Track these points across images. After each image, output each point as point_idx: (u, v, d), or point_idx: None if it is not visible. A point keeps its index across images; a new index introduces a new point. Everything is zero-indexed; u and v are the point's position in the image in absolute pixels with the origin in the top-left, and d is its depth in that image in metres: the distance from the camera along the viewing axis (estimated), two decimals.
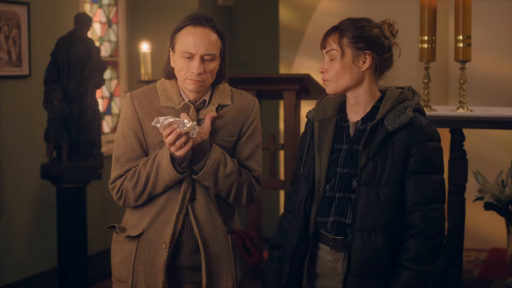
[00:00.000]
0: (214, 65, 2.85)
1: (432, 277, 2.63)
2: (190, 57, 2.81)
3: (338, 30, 2.72)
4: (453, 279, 4.61)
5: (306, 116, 2.85)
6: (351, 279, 2.63)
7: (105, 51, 6.93)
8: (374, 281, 2.62)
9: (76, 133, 5.42)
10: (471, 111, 4.74)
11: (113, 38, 7.08)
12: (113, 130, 7.12)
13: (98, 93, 6.04)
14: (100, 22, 6.92)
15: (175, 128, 2.72)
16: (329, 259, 2.73)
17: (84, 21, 5.46)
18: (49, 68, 5.37)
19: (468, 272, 5.81)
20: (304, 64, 6.89)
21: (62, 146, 5.36)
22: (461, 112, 4.73)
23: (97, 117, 5.49)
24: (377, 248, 2.60)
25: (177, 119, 2.73)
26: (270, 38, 7.69)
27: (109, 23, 7.02)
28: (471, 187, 4.57)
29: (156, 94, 2.91)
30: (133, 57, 7.00)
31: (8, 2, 5.61)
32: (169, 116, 2.74)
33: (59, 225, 5.44)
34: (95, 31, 6.79)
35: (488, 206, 4.33)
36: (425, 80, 4.85)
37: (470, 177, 4.54)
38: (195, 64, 2.80)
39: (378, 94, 2.73)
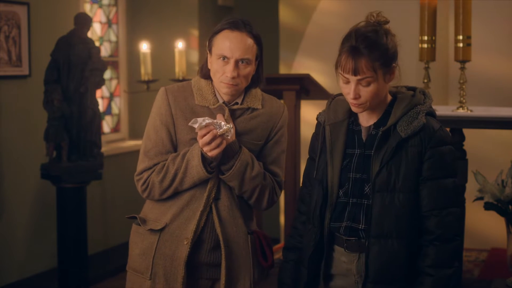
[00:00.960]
0: (249, 70, 2.90)
1: (453, 279, 2.65)
2: (226, 60, 2.85)
3: (365, 55, 2.58)
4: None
5: (317, 119, 2.85)
6: (369, 286, 2.65)
7: (105, 51, 6.93)
8: (392, 286, 2.64)
9: (76, 133, 5.42)
10: (471, 111, 4.74)
11: (113, 38, 7.08)
12: (113, 130, 7.12)
13: (98, 93, 6.04)
14: (100, 22, 6.93)
15: (212, 129, 2.76)
16: (344, 261, 2.74)
17: (84, 21, 5.46)
18: (49, 68, 5.37)
19: (468, 272, 5.81)
20: (304, 64, 6.89)
21: (62, 146, 5.36)
22: (461, 112, 4.73)
23: (97, 117, 5.49)
24: (394, 254, 2.61)
25: (214, 121, 2.78)
26: (270, 38, 7.67)
27: (109, 23, 7.02)
28: (471, 187, 4.57)
29: (191, 92, 2.96)
30: (133, 57, 7.00)
31: (8, 2, 5.61)
32: (207, 118, 2.78)
33: (59, 225, 5.44)
34: (95, 31, 6.79)
35: (488, 206, 4.32)
36: (425, 80, 4.85)
37: (470, 177, 4.54)
38: (229, 68, 2.84)
39: (390, 98, 2.72)
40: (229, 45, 2.85)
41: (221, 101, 2.93)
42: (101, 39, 6.92)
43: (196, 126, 2.76)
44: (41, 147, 5.53)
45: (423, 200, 2.63)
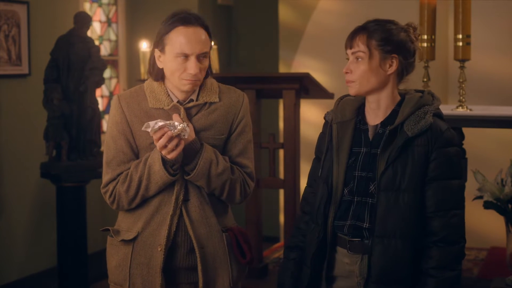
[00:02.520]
0: (206, 63, 2.85)
1: (457, 281, 2.64)
2: (185, 58, 2.79)
3: (366, 31, 2.64)
4: None
5: (324, 118, 2.84)
6: (371, 286, 2.64)
7: (104, 50, 6.93)
8: (395, 286, 2.63)
9: (76, 132, 5.42)
10: (470, 110, 4.74)
11: (112, 37, 7.08)
12: None
13: (98, 92, 6.04)
14: (100, 21, 6.93)
15: (166, 131, 2.70)
16: (346, 262, 2.73)
17: (83, 20, 5.46)
18: (48, 67, 5.37)
19: (467, 271, 5.81)
20: (303, 63, 6.89)
21: (62, 145, 5.36)
22: (461, 111, 4.73)
23: (97, 116, 5.49)
24: (398, 254, 2.61)
25: (167, 122, 2.71)
26: (269, 37, 7.70)
27: (108, 22, 7.02)
28: (471, 186, 4.56)
29: (144, 96, 2.90)
30: (133, 56, 7.01)
31: (8, 1, 5.61)
32: (159, 120, 2.72)
33: (59, 224, 5.44)
34: (95, 30, 6.79)
35: (487, 205, 4.33)
36: (425, 79, 4.86)
37: (470, 176, 4.54)
38: (192, 65, 2.78)
39: (398, 98, 2.72)
40: (188, 42, 2.78)
41: (175, 101, 2.87)
42: (101, 38, 6.92)
43: (149, 130, 2.70)
44: (41, 146, 5.53)
45: (428, 200, 2.63)
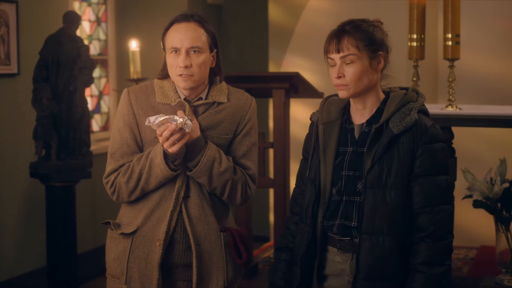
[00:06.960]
0: (202, 59, 2.87)
1: (445, 277, 2.65)
2: (177, 52, 2.85)
3: (350, 33, 2.65)
4: None
5: (310, 118, 2.85)
6: (360, 283, 2.64)
7: (94, 49, 6.92)
8: (384, 283, 2.63)
9: (65, 131, 5.40)
10: (460, 109, 4.76)
11: (102, 36, 7.06)
12: (102, 128, 7.11)
13: (87, 91, 6.02)
14: (89, 20, 6.91)
15: (169, 125, 2.74)
16: (337, 261, 2.74)
17: (73, 19, 5.44)
18: (38, 66, 5.35)
19: (457, 270, 5.83)
20: (293, 63, 6.90)
21: (51, 145, 5.34)
22: (450, 110, 4.74)
23: (86, 116, 5.48)
24: (386, 251, 2.62)
25: (168, 116, 2.76)
26: (259, 36, 7.69)
27: (98, 21, 7.01)
28: (460, 185, 4.59)
29: (153, 91, 2.95)
30: (122, 55, 6.99)
31: None
32: (160, 115, 2.76)
33: (48, 223, 5.42)
34: (84, 29, 6.77)
35: (477, 204, 4.35)
36: (414, 79, 4.87)
37: (459, 175, 4.56)
38: (181, 58, 2.84)
39: (383, 96, 2.73)
40: (178, 35, 2.86)
41: (182, 98, 2.92)
42: (90, 37, 6.90)
43: (150, 124, 2.76)
44: (30, 146, 5.51)
45: (415, 197, 2.64)
